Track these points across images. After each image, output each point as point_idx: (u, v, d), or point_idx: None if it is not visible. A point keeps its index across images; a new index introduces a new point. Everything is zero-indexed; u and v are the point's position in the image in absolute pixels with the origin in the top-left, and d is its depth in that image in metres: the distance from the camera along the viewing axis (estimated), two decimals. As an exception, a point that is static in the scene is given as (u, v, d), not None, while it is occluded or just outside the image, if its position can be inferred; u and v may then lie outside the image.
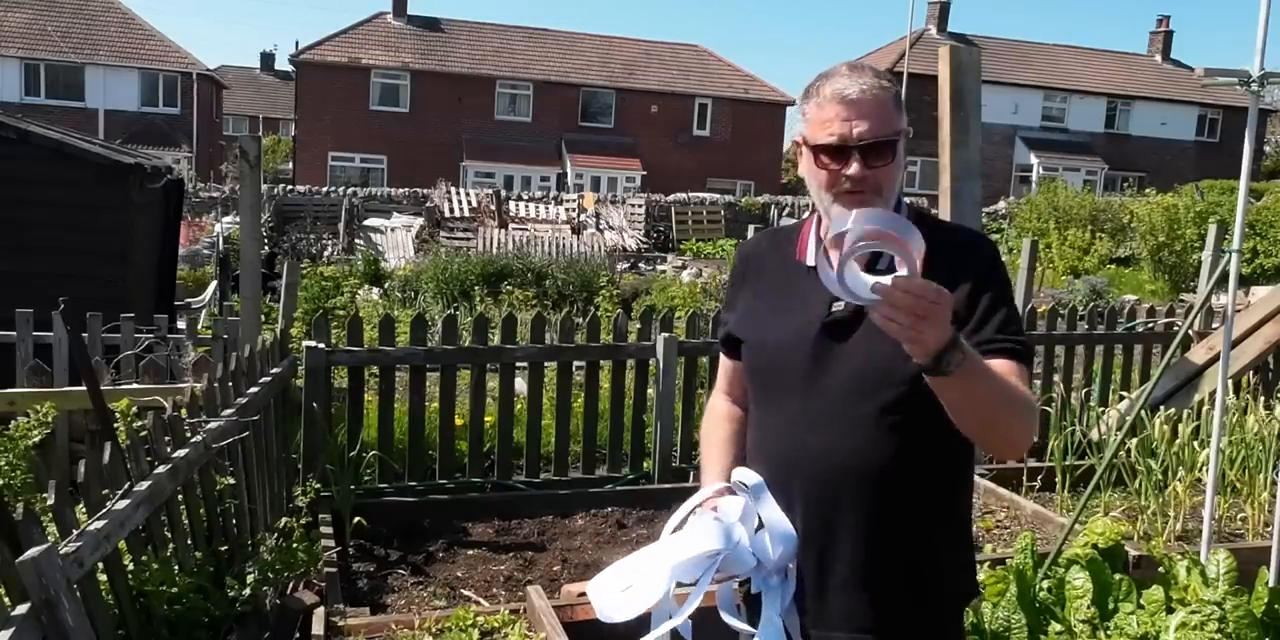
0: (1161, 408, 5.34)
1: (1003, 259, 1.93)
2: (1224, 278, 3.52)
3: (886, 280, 1.47)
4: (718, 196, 27.39)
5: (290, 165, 36.90)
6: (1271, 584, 3.28)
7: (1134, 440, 4.84)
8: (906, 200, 1.97)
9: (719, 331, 2.15)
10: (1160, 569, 3.50)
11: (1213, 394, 4.55)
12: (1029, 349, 1.83)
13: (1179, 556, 3.54)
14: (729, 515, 1.85)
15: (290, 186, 25.73)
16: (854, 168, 1.78)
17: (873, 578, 1.85)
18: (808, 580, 1.87)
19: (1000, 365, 1.73)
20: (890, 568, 1.85)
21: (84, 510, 2.44)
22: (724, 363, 2.14)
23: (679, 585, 1.82)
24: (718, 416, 2.14)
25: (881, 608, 1.86)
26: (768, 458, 1.93)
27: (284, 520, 3.75)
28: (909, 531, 1.85)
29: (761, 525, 1.86)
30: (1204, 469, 4.47)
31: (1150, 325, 6.72)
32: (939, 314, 1.49)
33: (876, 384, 1.80)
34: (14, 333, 5.20)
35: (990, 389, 1.66)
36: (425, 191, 24.05)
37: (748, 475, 1.90)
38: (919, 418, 1.76)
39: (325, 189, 24.76)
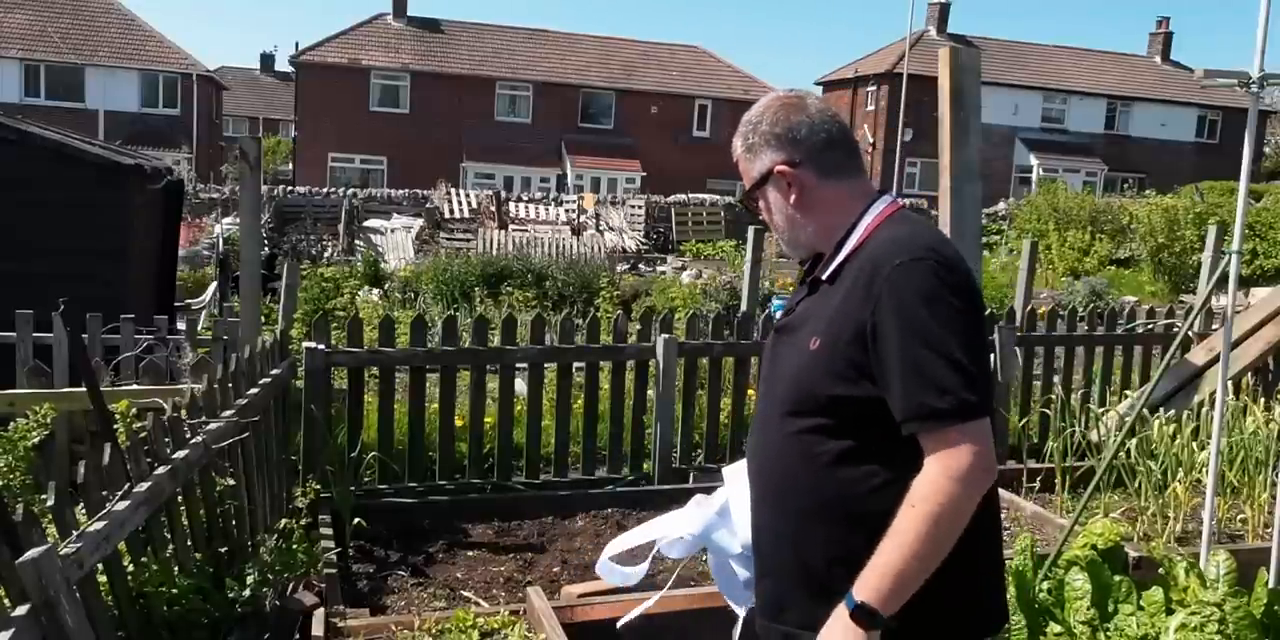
0: (1161, 409, 5.34)
1: (935, 281, 1.67)
2: (1224, 279, 3.53)
3: None
4: (718, 198, 27.35)
5: (290, 166, 36.90)
6: (1271, 585, 3.28)
7: (1133, 441, 4.83)
8: (903, 203, 1.97)
9: None
10: (1160, 570, 3.50)
11: (1212, 395, 4.55)
12: (955, 406, 1.63)
13: (1179, 558, 3.54)
14: (711, 505, 2.07)
15: (290, 187, 25.68)
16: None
17: (785, 575, 1.87)
18: (755, 567, 1.97)
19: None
20: (797, 569, 1.84)
21: (84, 511, 2.44)
22: None
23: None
24: None
25: (794, 609, 1.85)
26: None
27: (284, 521, 3.75)
28: (820, 538, 1.80)
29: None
30: (1204, 470, 4.47)
31: (1150, 326, 6.72)
32: None
33: (789, 391, 1.84)
34: (14, 333, 5.21)
35: (917, 569, 1.64)
36: (425, 193, 24.03)
37: (729, 471, 2.10)
38: (826, 429, 1.77)
39: (325, 190, 24.73)
